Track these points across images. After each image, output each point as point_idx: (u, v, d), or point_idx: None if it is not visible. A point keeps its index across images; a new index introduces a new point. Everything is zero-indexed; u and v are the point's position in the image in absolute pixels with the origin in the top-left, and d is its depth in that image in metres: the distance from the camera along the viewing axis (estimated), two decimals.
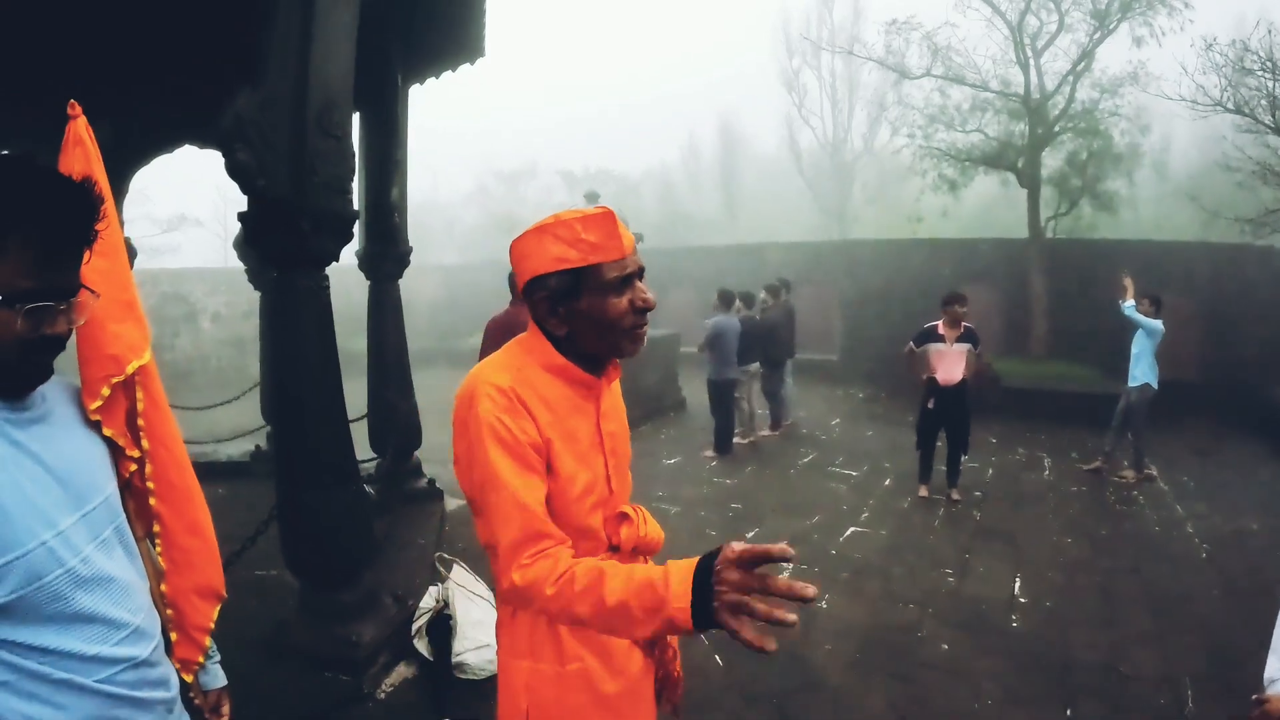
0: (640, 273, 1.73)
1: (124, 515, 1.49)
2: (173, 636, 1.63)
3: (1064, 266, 14.25)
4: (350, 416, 6.89)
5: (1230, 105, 11.57)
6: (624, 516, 1.82)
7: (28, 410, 1.32)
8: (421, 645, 4.00)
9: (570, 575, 1.48)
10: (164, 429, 1.64)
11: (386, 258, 6.09)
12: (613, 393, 1.90)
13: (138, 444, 1.58)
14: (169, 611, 1.62)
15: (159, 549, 1.62)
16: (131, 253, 8.12)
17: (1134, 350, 8.31)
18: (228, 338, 19.08)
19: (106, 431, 1.51)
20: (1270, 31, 10.56)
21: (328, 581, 3.98)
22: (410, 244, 6.34)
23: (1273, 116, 10.45)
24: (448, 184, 46.95)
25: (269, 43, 3.52)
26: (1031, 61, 14.77)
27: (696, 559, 1.37)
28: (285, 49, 3.54)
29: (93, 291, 1.36)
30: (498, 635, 1.86)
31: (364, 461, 7.04)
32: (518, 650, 1.76)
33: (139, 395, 1.59)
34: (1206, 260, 14.01)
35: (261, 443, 7.88)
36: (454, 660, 3.87)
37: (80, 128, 1.58)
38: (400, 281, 6.37)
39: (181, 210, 29.71)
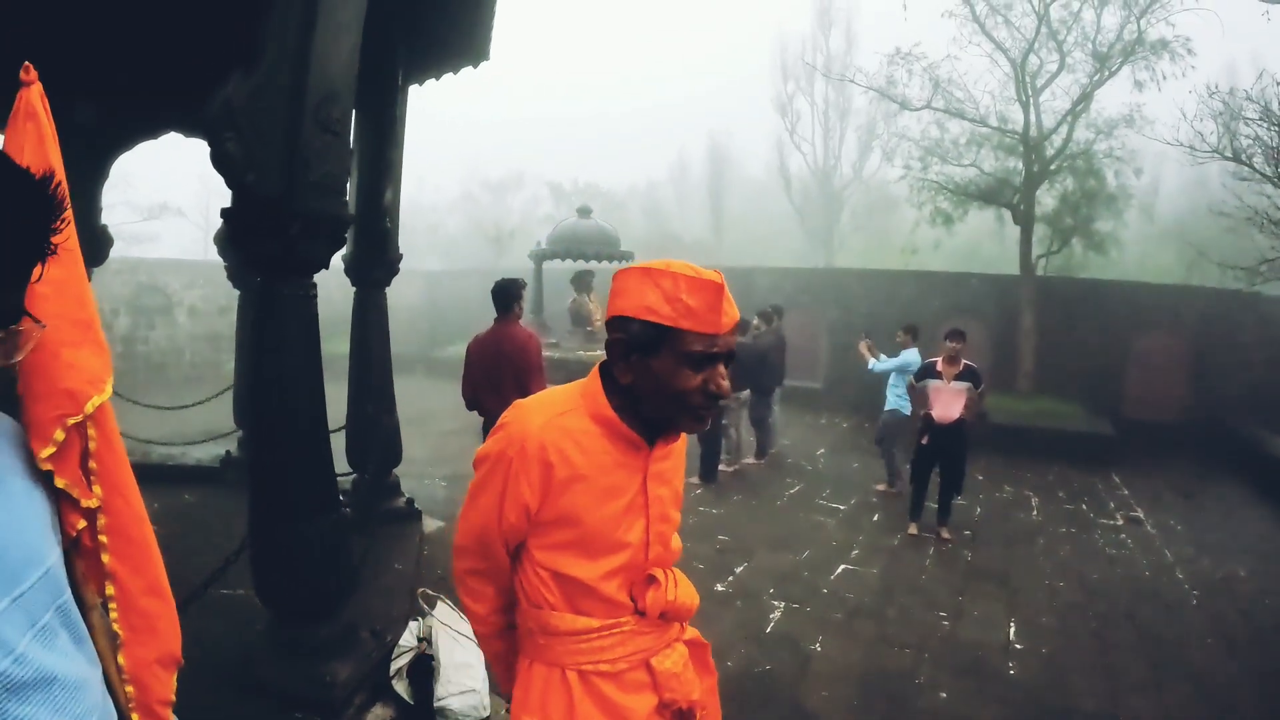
0: (728, 358, 1.60)
1: (69, 589, 1.17)
2: (134, 717, 1.34)
3: (1053, 304, 14.26)
4: (333, 428, 6.62)
5: (1228, 153, 11.58)
6: (651, 580, 1.68)
7: None
8: (401, 687, 3.74)
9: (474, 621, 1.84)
10: (120, 474, 1.33)
11: (375, 264, 5.88)
12: (670, 455, 1.75)
13: (90, 492, 1.26)
14: (129, 688, 1.33)
15: (114, 615, 1.32)
16: (107, 241, 7.92)
17: (890, 380, 8.92)
18: (204, 333, 18.79)
19: (59, 482, 1.19)
20: (1275, 81, 10.58)
21: (303, 616, 3.67)
22: (401, 251, 6.15)
23: (1272, 166, 10.44)
24: (433, 188, 46.86)
25: (268, 25, 3.24)
26: (1031, 99, 14.81)
27: None
28: (285, 33, 3.26)
29: (37, 321, 1.05)
30: (514, 688, 1.78)
31: (341, 476, 6.83)
32: (529, 705, 1.68)
33: (91, 434, 1.27)
34: (1192, 303, 14.11)
35: (233, 448, 7.58)
36: (436, 705, 3.62)
37: (34, 97, 1.28)
38: (395, 288, 6.15)
39: (163, 199, 29.32)
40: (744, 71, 46.65)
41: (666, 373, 1.54)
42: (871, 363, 9.05)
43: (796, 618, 5.41)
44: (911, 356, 8.57)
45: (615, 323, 1.59)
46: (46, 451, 1.17)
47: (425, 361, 19.21)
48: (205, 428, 8.84)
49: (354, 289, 6.09)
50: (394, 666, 3.82)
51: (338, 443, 6.54)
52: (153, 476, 7.80)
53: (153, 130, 7.39)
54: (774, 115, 34.34)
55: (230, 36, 3.42)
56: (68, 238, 1.10)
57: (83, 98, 6.64)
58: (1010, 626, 5.35)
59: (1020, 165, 14.74)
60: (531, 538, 1.66)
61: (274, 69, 3.27)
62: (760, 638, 5.07)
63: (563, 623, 1.64)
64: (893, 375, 8.83)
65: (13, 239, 0.97)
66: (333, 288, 6.47)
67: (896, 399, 8.80)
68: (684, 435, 1.82)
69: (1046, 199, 15.10)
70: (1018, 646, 5.05)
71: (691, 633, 1.86)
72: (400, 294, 23.32)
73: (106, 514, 1.29)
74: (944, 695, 4.36)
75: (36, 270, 1.02)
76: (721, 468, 9.61)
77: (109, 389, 1.28)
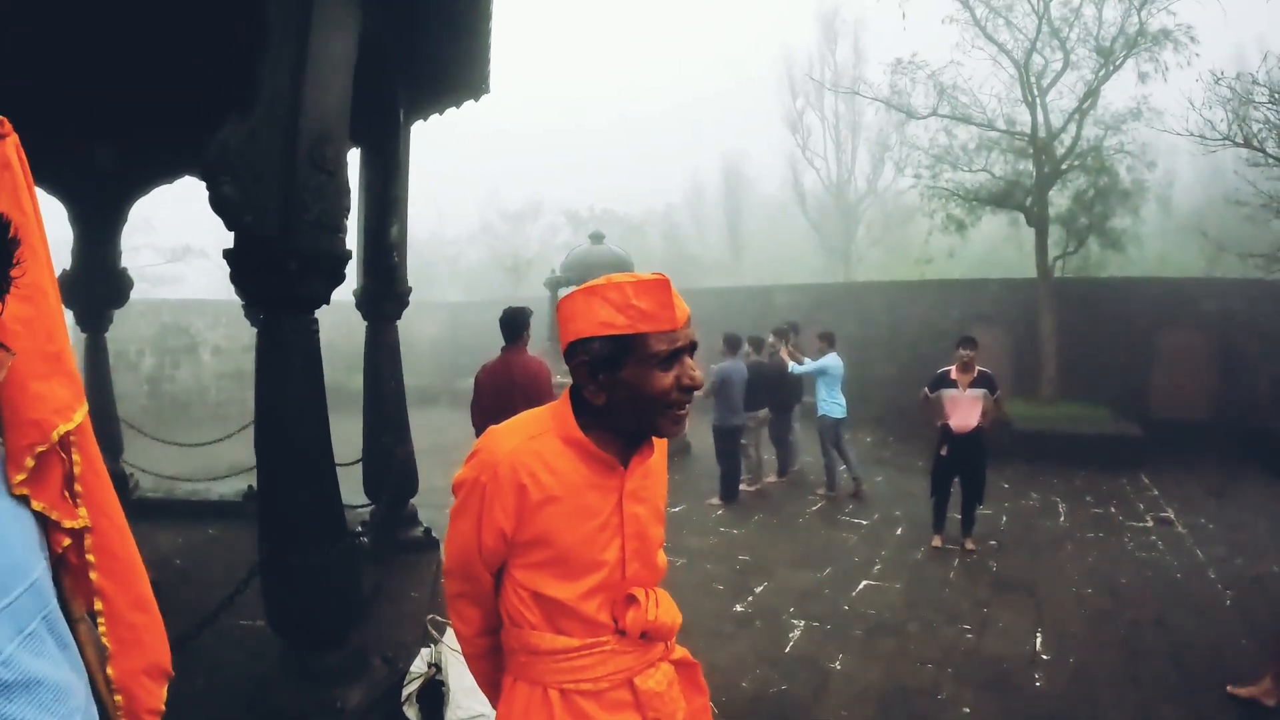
0: (691, 348, 1.62)
1: (55, 600, 1.27)
2: None
3: (1073, 306, 14.10)
4: (346, 460, 6.70)
5: (1239, 139, 11.45)
6: (632, 599, 1.68)
7: None
8: (412, 713, 3.76)
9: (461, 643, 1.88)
10: (103, 495, 1.42)
11: (385, 297, 5.92)
12: (649, 473, 1.76)
13: (75, 513, 1.36)
14: (117, 697, 1.41)
15: (102, 628, 1.40)
16: (127, 283, 8.04)
17: (818, 387, 9.57)
18: (228, 371, 18.99)
19: (36, 505, 1.28)
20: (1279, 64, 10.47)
21: (312, 643, 3.74)
22: (409, 284, 6.18)
23: None
24: (453, 221, 47.21)
25: (260, 69, 3.33)
26: (1037, 100, 14.70)
27: None
28: (277, 77, 3.36)
29: (6, 348, 1.16)
30: (499, 705, 1.80)
31: (359, 507, 6.86)
32: None
33: (75, 458, 1.37)
34: (1215, 296, 13.86)
35: (255, 483, 7.66)
36: None
37: (9, 149, 1.34)
38: (403, 319, 6.20)
39: (186, 240, 29.67)
40: (756, 92, 46.67)
41: (638, 380, 1.56)
42: (792, 365, 9.73)
43: (816, 636, 5.34)
44: (831, 361, 9.35)
45: (574, 348, 1.60)
46: (19, 477, 1.26)
47: (448, 393, 19.27)
48: (229, 463, 8.91)
49: (366, 324, 6.14)
50: (405, 692, 3.85)
51: (356, 474, 6.62)
52: (177, 512, 7.97)
53: (169, 174, 7.54)
54: (785, 132, 34.35)
55: (227, 81, 3.49)
56: (34, 269, 1.22)
57: (100, 144, 6.78)
58: (1037, 637, 5.24)
59: (1031, 167, 14.60)
60: (511, 558, 1.68)
61: (268, 112, 3.36)
62: (778, 658, 5.00)
63: (543, 642, 1.66)
64: (819, 380, 9.47)
65: None
66: (355, 322, 6.55)
67: (823, 403, 9.45)
68: (664, 453, 1.84)
69: (1060, 199, 14.93)
70: (1044, 658, 4.95)
71: (680, 652, 1.86)
72: (422, 326, 23.67)
73: (94, 533, 1.38)
74: (967, 711, 4.26)
75: (5, 304, 1.14)
76: (742, 487, 9.57)
77: (78, 417, 1.34)
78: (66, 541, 1.35)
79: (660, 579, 1.83)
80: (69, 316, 8.32)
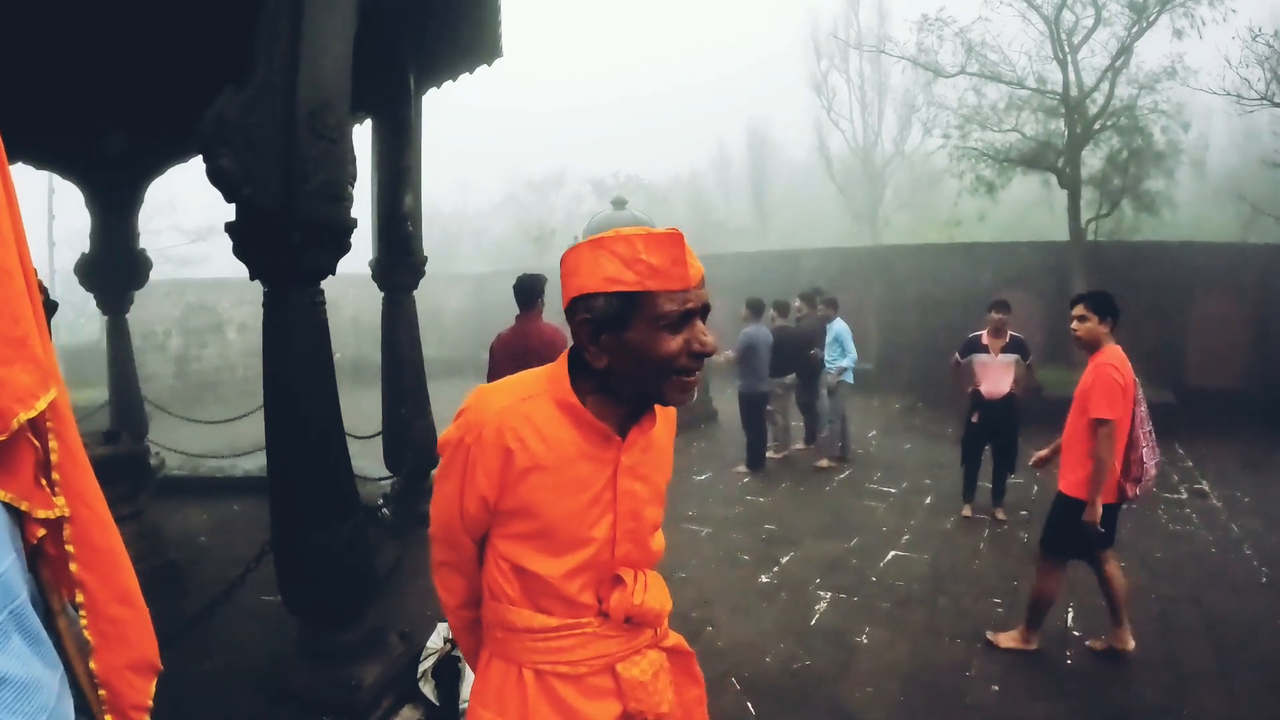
0: (704, 311, 1.49)
1: (25, 594, 1.19)
2: (107, 719, 1.35)
3: (1106, 270, 13.66)
4: (367, 433, 6.67)
5: (1277, 99, 11.10)
6: (618, 580, 1.59)
7: None
8: (428, 688, 3.73)
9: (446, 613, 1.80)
10: (82, 483, 1.33)
11: (400, 268, 5.87)
12: (650, 446, 1.65)
13: (52, 502, 1.27)
14: (101, 692, 1.34)
15: (84, 621, 1.32)
16: (146, 264, 8.06)
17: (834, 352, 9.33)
18: (254, 348, 18.90)
19: (3, 496, 1.20)
20: None
21: (326, 621, 3.73)
22: (425, 254, 6.11)
23: None
24: (477, 194, 47.21)
25: (255, 39, 3.26)
26: (1069, 57, 14.28)
27: None
28: (273, 45, 3.27)
29: None
30: (475, 680, 1.75)
31: (380, 480, 6.85)
32: (484, 699, 1.65)
33: (51, 445, 1.28)
34: (1251, 261, 13.47)
35: None
36: (462, 706, 3.58)
37: None
38: (428, 292, 6.15)
39: (209, 220, 29.88)
40: (778, 52, 46.15)
41: (644, 342, 1.45)
42: (835, 365, 9.35)
43: (842, 608, 5.26)
44: (844, 327, 9.30)
45: (576, 304, 1.49)
46: None
47: (474, 364, 19.24)
48: (254, 440, 8.93)
49: (383, 295, 6.10)
50: (421, 668, 3.82)
51: (378, 447, 6.59)
52: (204, 489, 8.06)
53: (180, 155, 7.53)
54: (810, 95, 33.91)
55: (228, 54, 3.41)
56: None
57: (110, 128, 6.76)
58: (1068, 613, 5.12)
59: (1062, 127, 14.24)
60: (494, 527, 1.60)
61: (265, 82, 3.28)
62: (803, 631, 4.92)
63: (520, 619, 1.58)
64: (838, 346, 9.29)
65: None
66: (378, 296, 6.50)
67: (847, 371, 9.28)
68: (671, 426, 1.75)
69: (1092, 160, 14.55)
70: (1075, 633, 4.83)
71: (674, 639, 1.76)
72: (447, 299, 23.73)
73: (73, 523, 1.30)
74: (995, 689, 4.17)
75: None
76: (769, 454, 9.49)
77: (41, 404, 1.24)
78: (42, 532, 1.27)
79: (655, 562, 1.74)
80: (90, 300, 8.39)
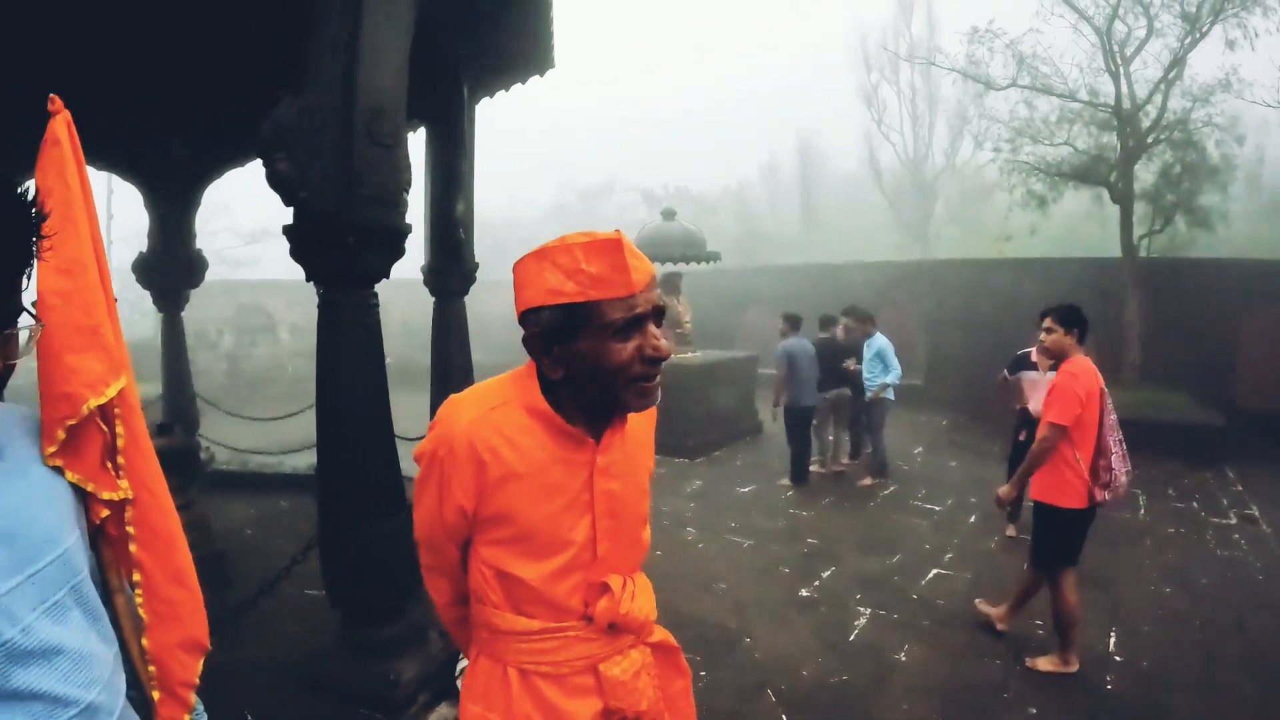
0: (656, 315, 1.49)
1: (86, 571, 1.27)
2: (155, 695, 1.41)
3: (1158, 287, 13.41)
4: (414, 435, 6.75)
5: None
6: (605, 588, 1.60)
7: None
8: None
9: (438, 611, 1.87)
10: (145, 469, 1.42)
11: (451, 273, 5.94)
12: (626, 444, 1.66)
13: (116, 485, 1.36)
14: (151, 668, 1.41)
15: (140, 600, 1.40)
16: (202, 265, 8.24)
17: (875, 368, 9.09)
18: (304, 349, 19.33)
19: (71, 477, 1.29)
20: None
21: (368, 616, 3.82)
22: (477, 260, 6.18)
23: None
24: (527, 203, 47.56)
25: (314, 47, 3.36)
26: (1121, 69, 14.01)
27: None
28: (332, 53, 3.38)
29: (34, 317, 1.18)
30: (465, 674, 1.80)
31: None
32: (473, 694, 1.68)
33: (118, 431, 1.37)
34: None
35: None
36: None
37: (59, 126, 1.33)
38: (477, 298, 6.22)
39: (263, 224, 30.44)
40: (828, 64, 45.90)
41: (595, 352, 1.46)
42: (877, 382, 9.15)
43: (882, 625, 5.24)
44: (884, 342, 9.10)
45: (525, 318, 1.51)
46: (50, 449, 1.27)
47: None
48: (302, 438, 9.07)
49: (434, 300, 6.19)
50: (459, 666, 3.85)
51: None
52: (251, 484, 8.22)
53: (239, 158, 7.68)
54: (860, 107, 33.68)
55: (287, 60, 3.51)
56: (73, 242, 1.26)
57: (171, 132, 6.95)
58: (1110, 637, 5.07)
59: (1114, 140, 13.96)
60: (476, 534, 1.62)
61: (322, 89, 3.39)
62: (841, 646, 4.92)
63: (504, 622, 1.61)
64: (878, 362, 9.06)
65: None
66: (429, 300, 6.59)
67: (889, 387, 9.08)
68: (651, 421, 1.77)
69: (1145, 175, 14.24)
70: (1116, 659, 4.77)
71: (660, 634, 1.78)
72: (496, 305, 23.81)
73: (134, 506, 1.38)
74: (1033, 711, 4.13)
75: (23, 279, 1.15)
76: (813, 469, 9.44)
77: (111, 391, 1.33)
78: (105, 513, 1.34)
79: (643, 557, 1.76)
80: (146, 297, 8.59)
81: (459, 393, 1.66)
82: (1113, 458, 4.46)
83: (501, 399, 1.58)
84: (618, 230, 1.47)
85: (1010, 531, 7.16)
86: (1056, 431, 4.42)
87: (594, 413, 1.59)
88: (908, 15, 32.79)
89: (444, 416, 1.59)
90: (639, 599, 1.64)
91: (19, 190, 1.11)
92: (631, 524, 1.69)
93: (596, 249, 1.43)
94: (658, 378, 1.53)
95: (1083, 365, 4.53)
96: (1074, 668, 4.54)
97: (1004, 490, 4.80)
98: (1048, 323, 4.77)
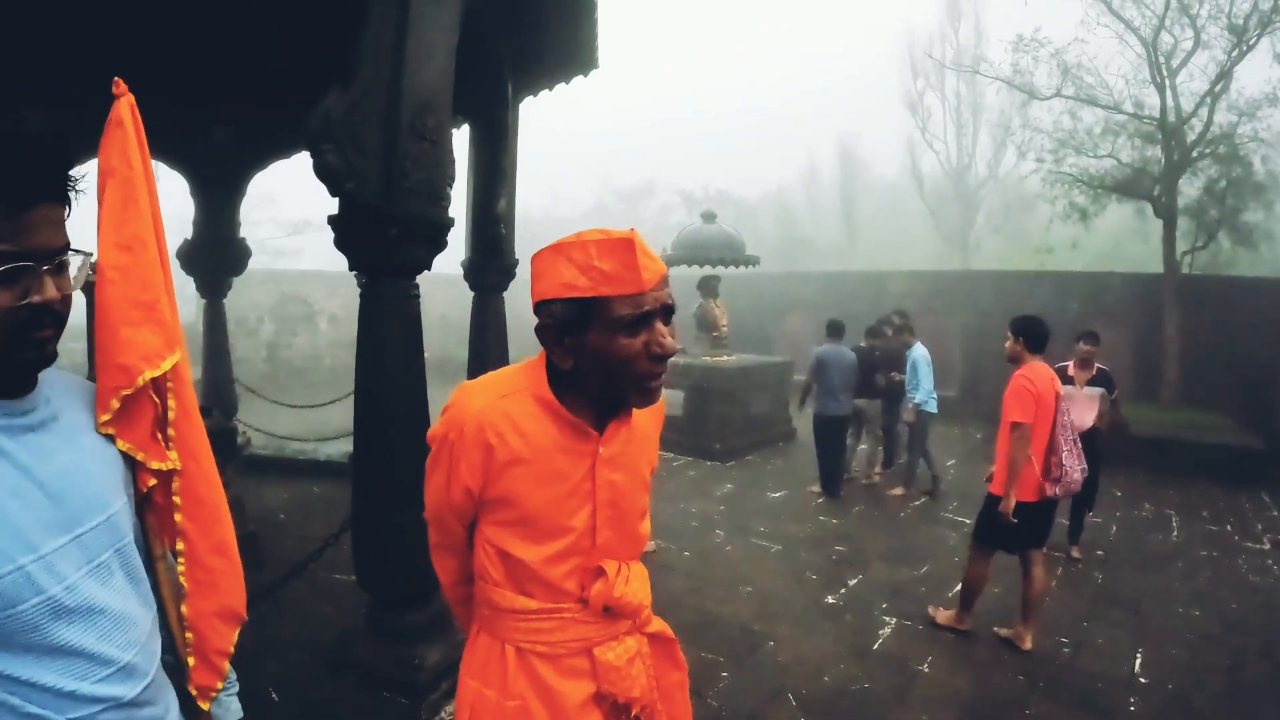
0: (665, 312, 1.53)
1: (130, 536, 1.33)
2: (190, 661, 1.47)
3: (1200, 305, 13.19)
4: None
5: None
6: (600, 572, 1.65)
7: (24, 416, 1.20)
8: None
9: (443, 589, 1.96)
10: (194, 440, 1.48)
11: (490, 269, 6.00)
12: (631, 437, 1.71)
13: (165, 455, 1.42)
14: (188, 635, 1.47)
15: (181, 568, 1.46)
16: (245, 253, 8.39)
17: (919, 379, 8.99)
18: (343, 339, 19.51)
19: (122, 445, 1.36)
20: None
21: (396, 600, 3.91)
22: (516, 256, 6.24)
23: None
24: (568, 201, 47.73)
25: (362, 41, 3.44)
26: (1166, 81, 13.81)
27: None
28: (379, 48, 3.47)
29: (79, 251, 1.23)
30: (465, 650, 1.84)
31: None
32: (471, 669, 1.74)
33: (170, 403, 1.43)
34: None
35: None
36: None
37: (123, 108, 1.38)
38: (516, 293, 6.28)
39: (305, 215, 30.81)
40: (872, 69, 45.63)
41: (603, 346, 1.50)
42: (914, 396, 9.10)
43: (906, 635, 5.24)
44: (923, 353, 9.01)
45: (539, 309, 1.56)
46: (104, 418, 1.33)
47: None
48: (338, 426, 9.20)
49: (473, 295, 6.26)
50: None
51: None
52: (286, 469, 8.37)
53: (285, 149, 7.80)
54: (904, 113, 33.32)
55: (336, 53, 3.60)
56: (137, 221, 1.35)
57: (218, 122, 7.07)
58: (1136, 658, 5.01)
59: (1159, 153, 13.77)
60: (481, 514, 1.68)
61: (369, 83, 3.47)
62: (865, 654, 4.92)
63: (504, 600, 1.66)
64: (919, 373, 8.99)
65: (24, 182, 1.11)
66: (469, 295, 6.65)
67: (928, 398, 9.04)
68: (659, 415, 1.82)
69: (1189, 190, 14.04)
70: (1142, 681, 4.72)
71: (657, 625, 1.82)
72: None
73: (182, 477, 1.44)
74: None
75: (65, 211, 1.19)
76: (846, 477, 9.39)
77: (166, 365, 1.39)
78: (152, 481, 1.40)
79: (641, 548, 1.80)
80: (189, 283, 8.74)
81: (473, 379, 1.71)
82: (1063, 454, 4.89)
83: (512, 387, 1.63)
84: (632, 229, 1.52)
85: (1075, 553, 7.05)
86: (1021, 430, 4.81)
87: (599, 405, 1.64)
88: (955, 23, 32.42)
89: (456, 401, 1.64)
90: (633, 584, 1.69)
91: (42, 132, 1.14)
92: (631, 515, 1.73)
93: (610, 247, 1.48)
94: (663, 374, 1.57)
95: (1037, 370, 4.90)
96: (965, 626, 5.27)
97: (1004, 506, 4.95)
98: (1008, 332, 5.15)
